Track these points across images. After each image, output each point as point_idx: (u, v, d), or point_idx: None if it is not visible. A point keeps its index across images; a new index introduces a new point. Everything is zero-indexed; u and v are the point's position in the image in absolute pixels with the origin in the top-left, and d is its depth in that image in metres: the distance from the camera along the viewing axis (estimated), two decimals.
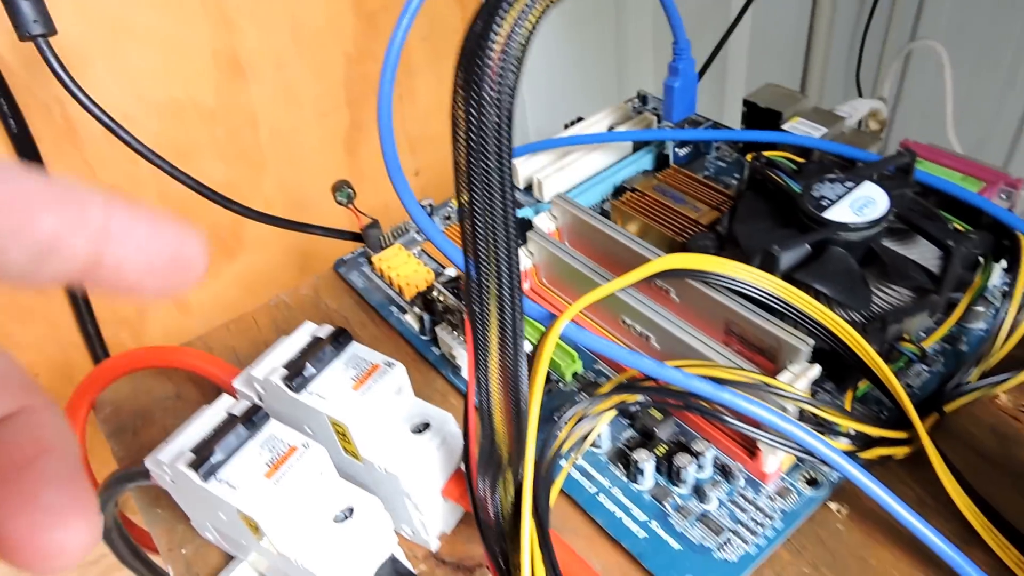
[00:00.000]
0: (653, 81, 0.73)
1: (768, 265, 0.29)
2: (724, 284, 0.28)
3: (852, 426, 0.26)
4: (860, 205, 0.30)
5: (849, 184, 0.31)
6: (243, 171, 0.53)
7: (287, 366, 0.25)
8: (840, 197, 0.30)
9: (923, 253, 0.30)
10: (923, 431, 0.26)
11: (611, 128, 0.45)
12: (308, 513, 0.23)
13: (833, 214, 0.29)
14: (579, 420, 0.26)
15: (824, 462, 0.24)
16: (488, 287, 0.17)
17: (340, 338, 0.25)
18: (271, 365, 0.25)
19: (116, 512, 0.33)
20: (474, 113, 0.14)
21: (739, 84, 0.88)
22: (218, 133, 0.48)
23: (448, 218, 0.43)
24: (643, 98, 0.49)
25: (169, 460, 0.23)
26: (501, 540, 0.23)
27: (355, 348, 0.26)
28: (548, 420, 0.27)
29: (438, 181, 0.66)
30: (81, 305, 0.47)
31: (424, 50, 0.56)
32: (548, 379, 0.31)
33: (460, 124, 0.14)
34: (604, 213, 0.40)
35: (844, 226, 0.29)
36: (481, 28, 0.14)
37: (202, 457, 0.22)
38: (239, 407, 0.24)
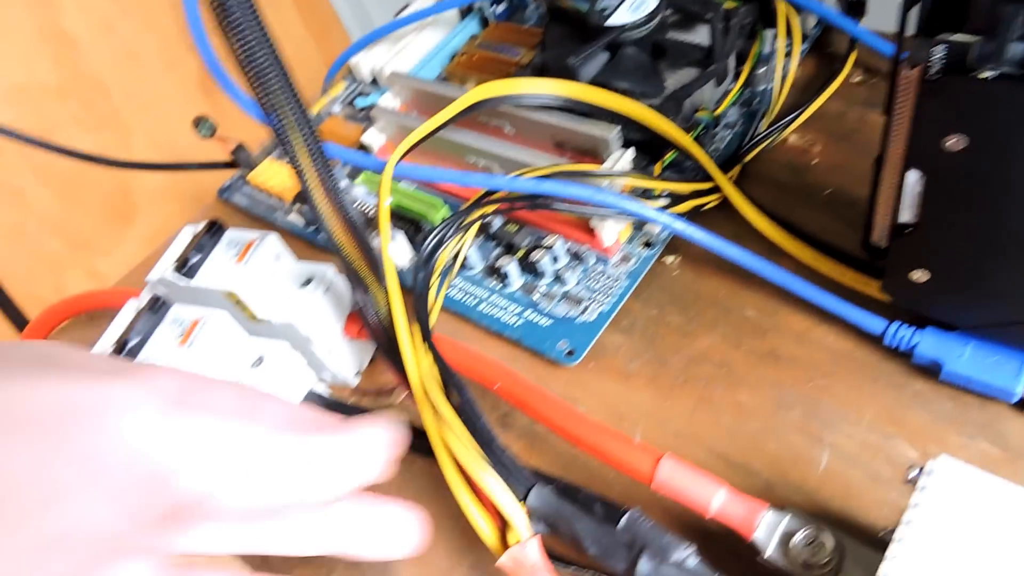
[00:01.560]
0: None
1: (572, 78, 0.33)
2: (537, 103, 0.32)
3: (663, 187, 0.31)
4: (636, 6, 0.34)
5: None
6: (111, 139, 0.54)
7: (176, 262, 0.29)
8: (620, 4, 0.34)
9: (702, 35, 0.34)
10: (721, 178, 0.31)
11: None
12: (223, 369, 0.27)
13: (615, 19, 0.34)
14: (443, 241, 0.31)
15: (638, 217, 0.29)
16: (284, 122, 0.21)
17: (214, 228, 0.29)
18: (163, 267, 0.29)
19: None
20: None
21: None
22: (72, 107, 0.50)
23: None
24: None
25: None
26: (391, 345, 0.27)
27: (232, 232, 0.29)
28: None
29: None
30: (1, 297, 0.49)
31: None
32: (420, 228, 0.36)
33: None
34: (446, 82, 0.44)
35: (624, 27, 0.33)
36: None
37: (120, 346, 0.26)
38: (142, 302, 0.27)
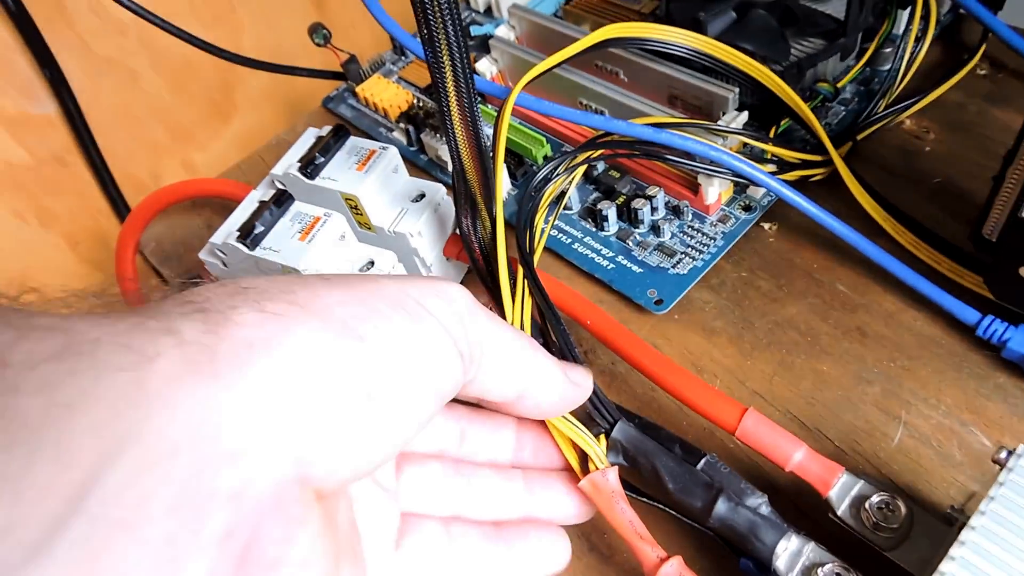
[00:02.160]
0: None
1: (698, 32, 0.33)
2: (660, 49, 0.32)
3: (773, 151, 0.31)
4: None
5: None
6: (223, 35, 0.56)
7: (300, 160, 0.30)
8: None
9: (835, 6, 0.34)
10: (835, 152, 0.31)
11: None
12: (336, 268, 0.28)
13: None
14: (550, 178, 0.32)
15: (749, 180, 0.30)
16: (439, 40, 0.22)
17: (339, 133, 0.30)
18: (287, 163, 0.30)
19: None
20: None
21: None
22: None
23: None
24: None
25: (220, 241, 0.28)
26: (487, 269, 0.28)
27: (353, 140, 0.31)
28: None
29: None
30: (103, 175, 0.51)
31: None
32: (522, 163, 0.36)
33: None
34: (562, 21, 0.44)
35: None
36: None
37: (246, 232, 0.28)
38: (267, 195, 0.29)
